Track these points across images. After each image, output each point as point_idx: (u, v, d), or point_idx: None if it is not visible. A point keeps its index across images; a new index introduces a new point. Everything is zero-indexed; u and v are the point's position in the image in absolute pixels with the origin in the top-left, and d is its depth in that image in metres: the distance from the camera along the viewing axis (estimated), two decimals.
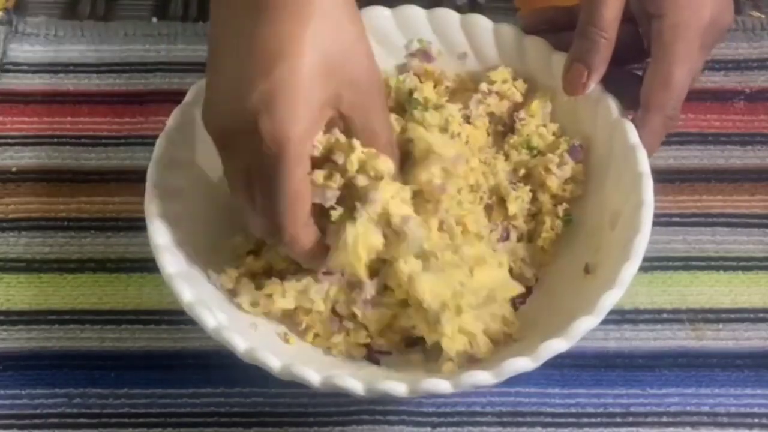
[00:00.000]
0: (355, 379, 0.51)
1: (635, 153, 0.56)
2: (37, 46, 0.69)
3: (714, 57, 0.68)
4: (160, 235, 0.54)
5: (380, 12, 0.61)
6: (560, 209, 0.58)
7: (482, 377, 0.51)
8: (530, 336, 0.53)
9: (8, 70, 0.68)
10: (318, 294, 0.54)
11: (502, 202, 0.59)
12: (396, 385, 0.50)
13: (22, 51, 0.69)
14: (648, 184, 0.55)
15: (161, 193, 0.55)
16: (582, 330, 0.51)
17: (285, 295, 0.54)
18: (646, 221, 0.54)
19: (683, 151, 0.65)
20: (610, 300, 0.52)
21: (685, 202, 0.63)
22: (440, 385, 0.50)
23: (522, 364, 0.51)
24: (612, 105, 0.58)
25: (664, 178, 0.64)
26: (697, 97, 0.66)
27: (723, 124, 0.66)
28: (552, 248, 0.58)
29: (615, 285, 0.52)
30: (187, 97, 0.58)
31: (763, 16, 0.70)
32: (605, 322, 0.59)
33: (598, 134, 0.59)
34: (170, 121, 0.57)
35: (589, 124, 0.59)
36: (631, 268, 0.53)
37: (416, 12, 0.61)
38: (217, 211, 0.58)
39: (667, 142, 0.65)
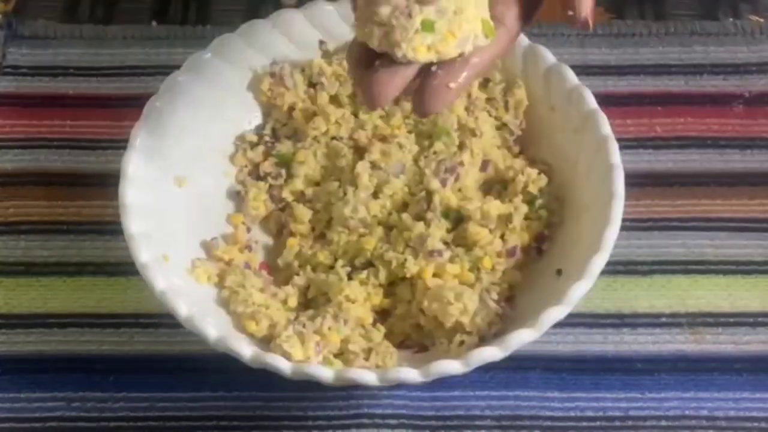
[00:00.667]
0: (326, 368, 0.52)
1: (606, 145, 0.57)
2: (36, 50, 0.69)
3: (713, 61, 0.68)
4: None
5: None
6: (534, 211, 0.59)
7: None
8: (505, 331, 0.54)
9: (8, 74, 0.68)
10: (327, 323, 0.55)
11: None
12: (365, 373, 0.51)
13: (22, 54, 0.69)
14: (619, 176, 0.56)
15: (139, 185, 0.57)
16: (552, 319, 0.52)
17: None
18: (617, 213, 0.55)
19: (682, 155, 0.65)
20: (579, 290, 0.52)
21: (685, 206, 0.63)
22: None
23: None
24: (586, 96, 0.59)
25: (663, 182, 0.64)
26: (696, 100, 0.67)
27: (722, 128, 0.66)
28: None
29: (584, 276, 0.53)
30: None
31: (762, 20, 0.70)
32: (604, 326, 0.59)
33: (570, 134, 0.60)
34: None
35: (562, 121, 0.60)
36: (600, 259, 0.53)
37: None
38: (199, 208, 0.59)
39: (667, 146, 0.65)
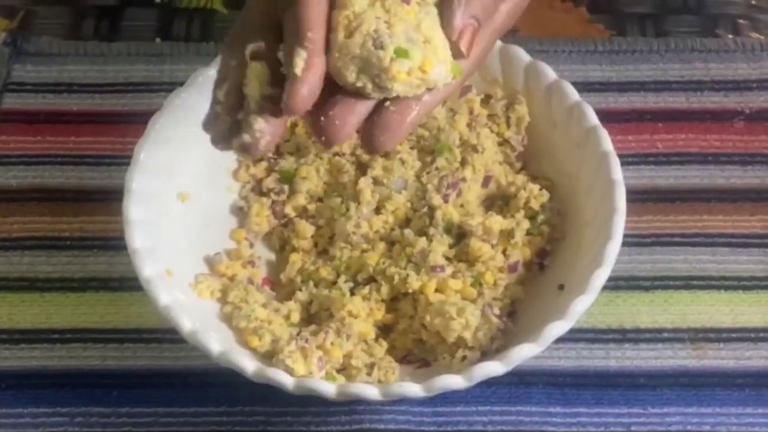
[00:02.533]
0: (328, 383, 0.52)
1: (608, 160, 0.57)
2: (40, 66, 0.69)
3: (714, 77, 0.68)
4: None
5: None
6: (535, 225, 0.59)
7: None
8: (507, 346, 0.54)
9: (12, 90, 0.69)
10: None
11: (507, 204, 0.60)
12: (368, 388, 0.51)
13: (26, 71, 0.69)
14: (620, 192, 0.56)
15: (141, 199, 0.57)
16: (554, 334, 0.52)
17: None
18: (618, 228, 0.55)
19: (684, 171, 0.65)
20: (581, 305, 0.53)
21: (686, 222, 0.63)
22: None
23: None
24: (587, 113, 0.59)
25: (664, 197, 0.64)
26: (697, 117, 0.67)
27: (723, 144, 0.66)
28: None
29: (586, 291, 0.53)
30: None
31: (762, 37, 0.71)
32: (606, 341, 0.59)
33: (572, 150, 0.60)
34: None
35: (563, 137, 0.60)
36: (602, 274, 0.53)
37: None
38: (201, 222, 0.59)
39: (668, 162, 0.65)
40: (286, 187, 0.61)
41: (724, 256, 0.62)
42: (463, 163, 0.60)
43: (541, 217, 0.59)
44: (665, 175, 0.65)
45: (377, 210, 0.59)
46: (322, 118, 0.47)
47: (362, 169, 0.61)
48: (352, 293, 0.57)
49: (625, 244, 0.56)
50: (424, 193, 0.60)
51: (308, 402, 0.55)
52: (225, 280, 0.59)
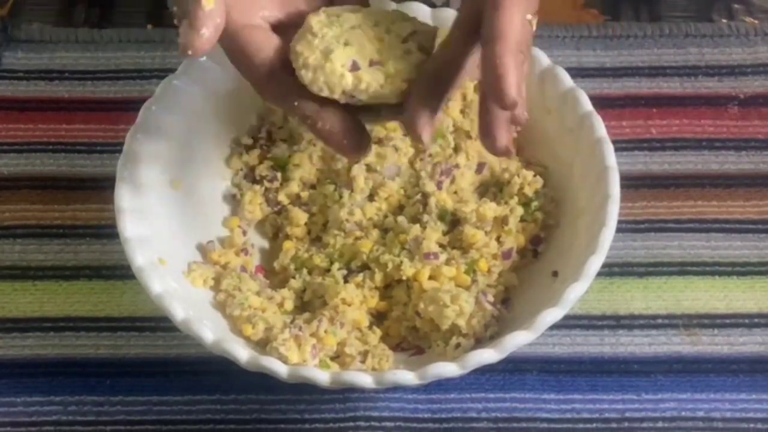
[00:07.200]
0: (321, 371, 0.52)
1: (601, 147, 0.57)
2: (31, 53, 0.69)
3: (708, 62, 0.68)
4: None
5: None
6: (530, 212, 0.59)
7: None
8: (501, 334, 0.54)
9: (3, 78, 0.68)
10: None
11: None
12: (361, 376, 0.51)
13: (17, 58, 0.69)
14: (614, 178, 0.56)
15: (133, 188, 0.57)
16: (548, 321, 0.52)
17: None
18: (613, 215, 0.55)
19: (678, 157, 0.65)
20: (575, 292, 0.52)
21: (680, 208, 0.63)
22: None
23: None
24: (581, 99, 0.59)
25: (658, 183, 0.64)
26: (691, 102, 0.67)
27: (717, 129, 0.66)
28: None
29: (580, 278, 0.53)
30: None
31: (756, 21, 0.71)
32: (600, 327, 0.59)
33: (566, 136, 0.59)
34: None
35: (557, 123, 0.60)
36: (596, 261, 0.53)
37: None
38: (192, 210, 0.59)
39: (662, 148, 0.65)
40: (279, 175, 0.61)
41: (718, 242, 0.62)
42: (457, 149, 0.60)
43: (535, 204, 0.59)
44: (659, 161, 0.65)
45: (370, 197, 0.59)
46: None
47: None
48: (346, 281, 0.57)
49: (619, 230, 0.56)
50: (418, 179, 0.59)
51: (302, 390, 0.55)
52: (218, 268, 0.58)
